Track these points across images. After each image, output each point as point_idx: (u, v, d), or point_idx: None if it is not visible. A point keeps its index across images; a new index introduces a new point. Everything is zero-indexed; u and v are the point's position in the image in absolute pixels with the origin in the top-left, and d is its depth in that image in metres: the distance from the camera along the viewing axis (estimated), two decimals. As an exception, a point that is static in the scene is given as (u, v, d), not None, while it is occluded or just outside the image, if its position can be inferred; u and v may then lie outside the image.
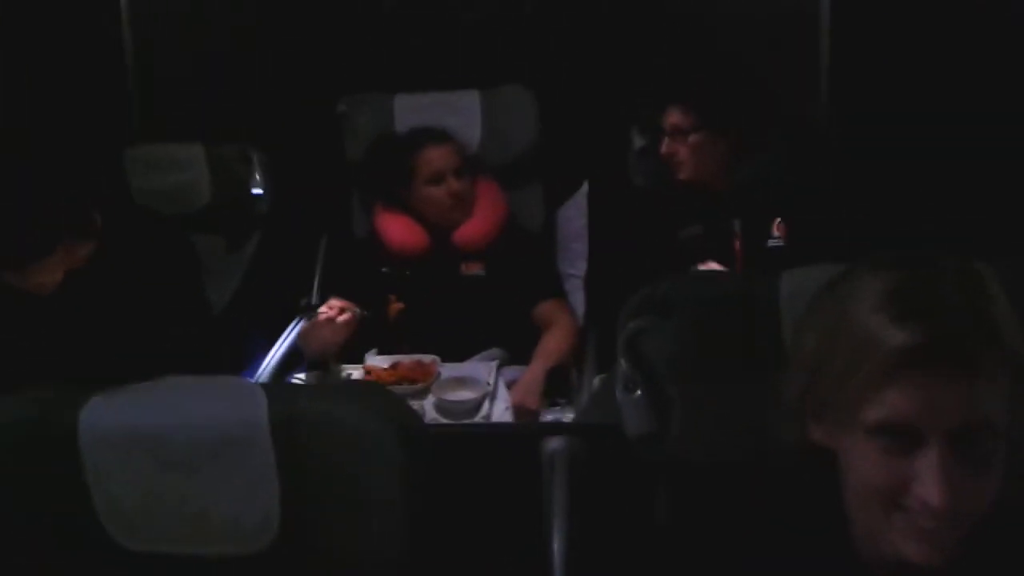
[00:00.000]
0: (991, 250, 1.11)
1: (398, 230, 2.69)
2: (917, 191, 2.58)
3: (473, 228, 2.68)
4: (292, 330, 2.69)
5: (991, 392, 0.94)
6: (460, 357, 2.48)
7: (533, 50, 2.97)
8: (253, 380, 2.50)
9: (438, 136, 2.69)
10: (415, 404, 2.21)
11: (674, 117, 2.46)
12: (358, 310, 2.38)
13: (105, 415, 1.17)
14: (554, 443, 1.54)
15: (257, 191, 2.86)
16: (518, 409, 2.25)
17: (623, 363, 1.16)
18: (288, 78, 2.97)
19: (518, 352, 2.52)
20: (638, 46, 2.90)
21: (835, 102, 2.78)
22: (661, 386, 1.16)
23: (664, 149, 2.48)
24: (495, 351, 2.53)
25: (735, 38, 2.86)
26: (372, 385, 1.28)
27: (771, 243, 2.41)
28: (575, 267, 2.83)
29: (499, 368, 2.40)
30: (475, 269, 2.67)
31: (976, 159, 2.58)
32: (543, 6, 3.01)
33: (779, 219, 2.39)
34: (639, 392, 1.15)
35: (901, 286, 0.96)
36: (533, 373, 2.41)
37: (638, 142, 2.75)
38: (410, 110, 2.83)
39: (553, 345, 2.51)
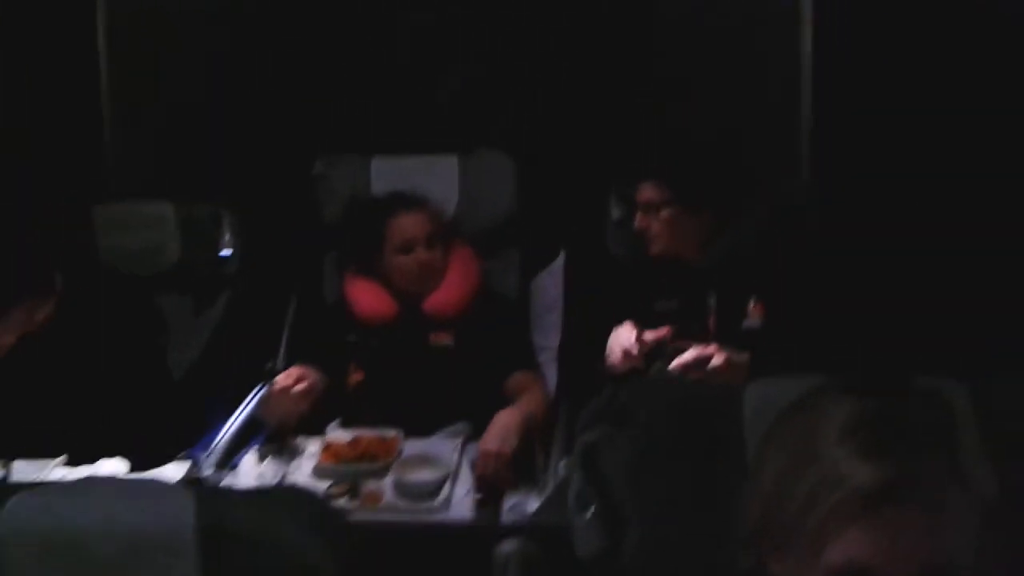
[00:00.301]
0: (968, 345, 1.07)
1: (366, 297, 2.63)
2: (898, 275, 2.53)
3: (443, 296, 2.62)
4: (256, 396, 2.62)
5: (959, 534, 0.89)
6: (425, 432, 2.40)
7: (513, 117, 2.94)
8: (210, 449, 2.44)
9: (411, 202, 2.64)
10: (374, 484, 2.14)
11: (647, 192, 2.40)
12: (316, 379, 2.31)
13: (27, 515, 1.11)
14: (509, 545, 1.45)
15: (226, 252, 2.80)
16: (488, 458, 2.12)
17: (576, 478, 1.09)
18: (264, 138, 2.93)
19: (486, 427, 2.43)
20: (620, 115, 2.87)
21: (816, 177, 2.74)
22: (615, 504, 1.09)
23: (637, 223, 2.43)
24: (461, 426, 2.45)
25: (716, 109, 2.83)
26: (304, 495, 1.21)
27: (746, 324, 2.36)
28: (548, 339, 2.76)
29: (465, 444, 2.32)
30: (444, 339, 2.60)
31: (961, 244, 2.55)
32: (523, 75, 2.98)
33: (754, 298, 2.34)
34: (592, 510, 1.08)
35: (869, 418, 0.91)
36: (510, 416, 2.26)
37: (616, 213, 2.71)
38: (387, 173, 2.79)
39: (528, 403, 2.41)
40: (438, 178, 2.77)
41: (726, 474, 1.05)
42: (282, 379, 2.29)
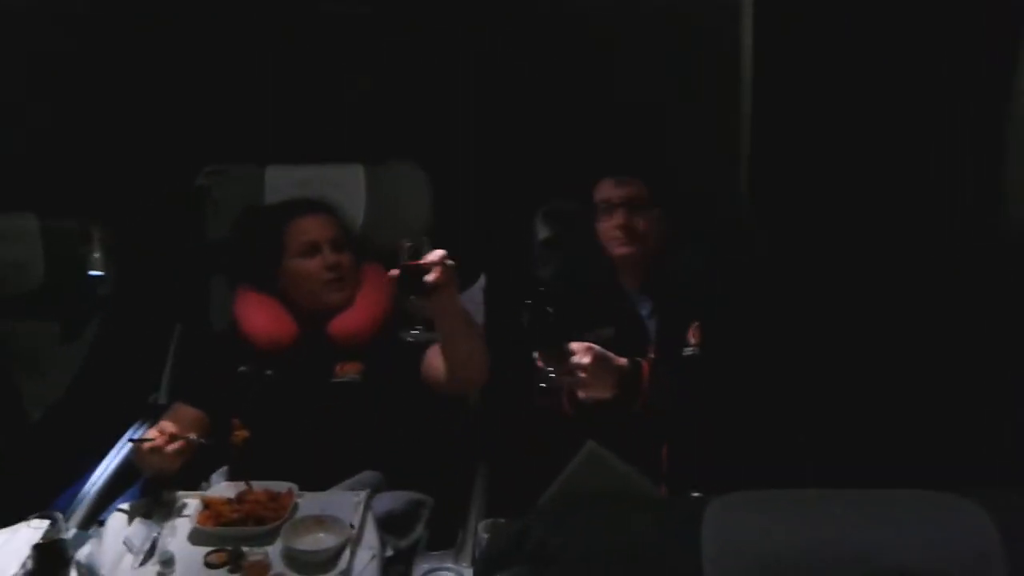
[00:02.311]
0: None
1: (261, 317, 2.35)
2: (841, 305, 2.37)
3: (353, 318, 2.34)
4: (136, 433, 2.32)
5: None
6: (326, 482, 2.11)
7: (427, 126, 2.66)
8: (75, 503, 2.15)
9: (313, 205, 2.39)
10: (259, 551, 1.85)
11: (632, 188, 2.29)
12: (193, 437, 2.02)
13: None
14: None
15: (97, 272, 2.49)
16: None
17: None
18: (139, 145, 2.62)
19: (395, 475, 2.16)
20: (547, 126, 2.62)
21: (756, 196, 2.54)
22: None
23: (620, 220, 2.27)
24: (367, 475, 2.16)
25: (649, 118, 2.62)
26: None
27: (686, 351, 2.25)
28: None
29: (369, 499, 2.03)
30: (351, 371, 2.31)
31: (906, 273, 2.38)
32: (431, 82, 2.71)
33: (696, 323, 2.24)
34: None
35: None
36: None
37: (543, 232, 2.47)
38: (284, 184, 2.54)
39: None
40: (342, 188, 2.53)
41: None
42: (155, 434, 2.01)
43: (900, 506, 0.91)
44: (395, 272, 1.97)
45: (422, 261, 1.95)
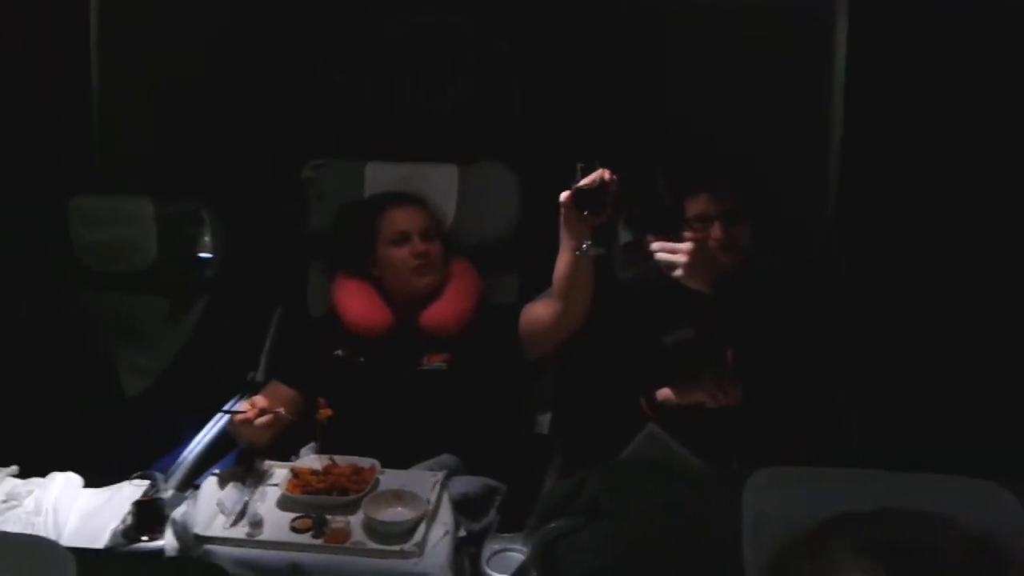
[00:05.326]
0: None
1: (357, 303, 2.45)
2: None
3: (442, 309, 2.43)
4: (233, 405, 2.45)
5: None
6: (406, 462, 2.21)
7: (519, 131, 2.74)
8: (174, 466, 2.28)
9: (405, 198, 2.49)
10: (341, 519, 1.96)
11: (729, 202, 2.29)
12: (282, 412, 2.14)
13: None
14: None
15: (206, 255, 2.63)
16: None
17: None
18: (253, 137, 2.75)
19: (473, 461, 2.25)
20: (637, 136, 2.67)
21: (842, 217, 2.55)
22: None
23: (718, 233, 2.27)
24: (446, 458, 2.25)
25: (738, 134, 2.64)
26: (203, 567, 1.02)
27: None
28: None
29: (446, 480, 2.12)
30: (437, 361, 2.41)
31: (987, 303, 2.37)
32: (532, 89, 2.79)
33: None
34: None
35: None
36: None
37: (624, 236, 2.51)
38: (382, 179, 2.62)
39: None
40: (436, 186, 2.60)
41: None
42: (246, 407, 2.14)
43: (938, 490, 0.95)
44: (569, 193, 2.09)
45: (589, 181, 2.06)
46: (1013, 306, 2.42)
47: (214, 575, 0.97)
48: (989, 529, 0.81)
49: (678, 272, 2.11)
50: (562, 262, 2.23)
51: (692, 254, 2.08)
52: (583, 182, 2.07)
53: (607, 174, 2.06)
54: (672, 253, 2.09)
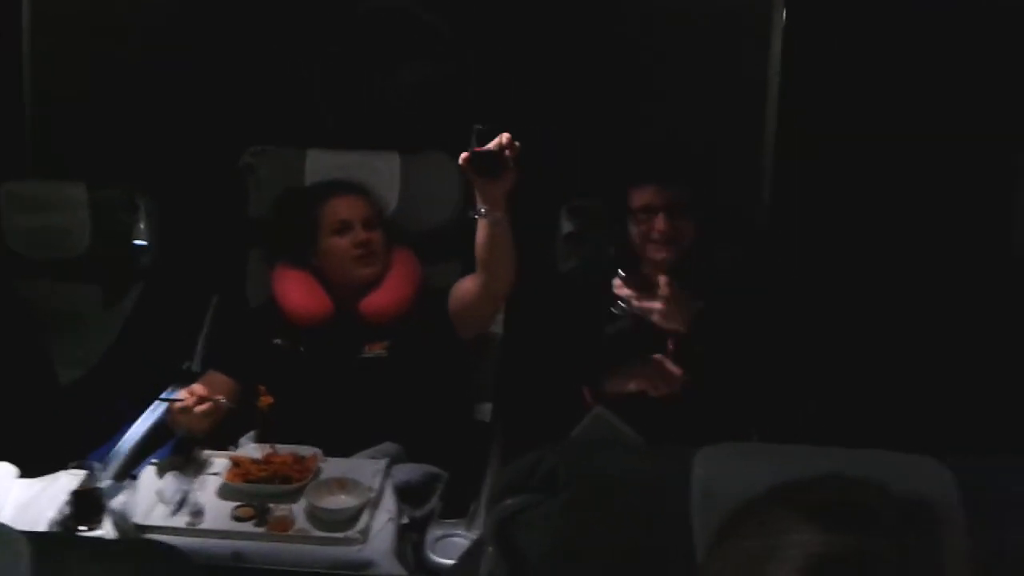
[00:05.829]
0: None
1: (297, 292, 2.43)
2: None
3: (382, 297, 2.43)
4: (170, 395, 2.42)
5: None
6: (348, 450, 2.21)
7: (460, 119, 2.75)
8: (110, 456, 2.24)
9: (347, 187, 2.48)
10: (284, 508, 1.95)
11: (674, 194, 2.31)
12: (221, 400, 2.12)
13: None
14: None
15: (141, 242, 2.58)
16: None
17: (489, 555, 0.91)
18: (190, 122, 2.71)
19: (414, 448, 2.25)
20: (580, 126, 2.69)
21: (776, 201, 2.61)
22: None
23: (662, 225, 2.29)
24: (388, 445, 2.25)
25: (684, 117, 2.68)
26: (161, 551, 1.01)
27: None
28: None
29: (389, 467, 2.13)
30: (378, 349, 2.41)
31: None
32: (479, 79, 2.79)
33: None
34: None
35: (828, 557, 0.75)
36: None
37: (567, 227, 2.54)
38: (323, 167, 2.60)
39: None
40: (378, 174, 2.59)
41: (666, 563, 0.88)
42: (184, 395, 2.10)
43: (881, 464, 0.99)
44: (466, 156, 2.06)
45: (491, 145, 2.04)
46: (955, 291, 2.49)
47: (172, 557, 0.96)
48: (925, 497, 0.85)
49: (655, 318, 2.19)
50: (479, 230, 2.22)
51: (666, 301, 2.17)
52: (487, 147, 2.03)
53: (505, 138, 2.04)
54: (648, 303, 2.17)
